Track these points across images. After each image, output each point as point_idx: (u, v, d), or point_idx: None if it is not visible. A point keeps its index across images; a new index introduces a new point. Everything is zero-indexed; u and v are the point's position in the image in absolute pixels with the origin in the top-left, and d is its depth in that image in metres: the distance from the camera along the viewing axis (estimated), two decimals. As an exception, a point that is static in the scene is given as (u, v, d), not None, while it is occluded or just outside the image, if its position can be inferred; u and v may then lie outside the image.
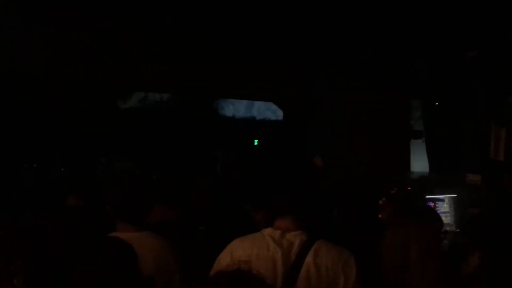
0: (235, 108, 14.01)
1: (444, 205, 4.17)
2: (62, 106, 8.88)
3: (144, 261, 2.00)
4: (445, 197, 4.17)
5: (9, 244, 1.42)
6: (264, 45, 5.26)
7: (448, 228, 4.11)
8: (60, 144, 9.29)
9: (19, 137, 7.77)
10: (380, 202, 3.24)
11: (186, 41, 5.06)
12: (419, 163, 7.72)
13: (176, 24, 4.85)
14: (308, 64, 5.62)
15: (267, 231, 1.94)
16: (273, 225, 1.95)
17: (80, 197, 3.12)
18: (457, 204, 4.16)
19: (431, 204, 4.12)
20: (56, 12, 4.46)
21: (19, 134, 7.87)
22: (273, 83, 5.72)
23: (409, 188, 3.93)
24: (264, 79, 5.62)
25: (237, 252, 1.94)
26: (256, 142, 12.71)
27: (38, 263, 1.45)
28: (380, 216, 3.07)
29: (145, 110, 11.28)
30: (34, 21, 4.41)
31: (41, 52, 4.46)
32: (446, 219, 4.13)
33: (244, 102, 13.55)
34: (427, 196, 4.05)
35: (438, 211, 4.15)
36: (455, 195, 4.18)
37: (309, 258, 1.85)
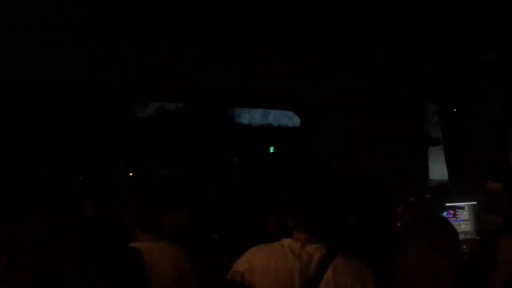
0: (251, 115, 14.04)
1: (464, 212, 4.10)
2: (79, 114, 9.00)
3: (163, 271, 2.01)
4: (465, 204, 4.10)
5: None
6: (280, 52, 5.26)
7: (468, 236, 4.05)
8: (77, 152, 9.41)
9: (37, 144, 7.89)
10: (399, 210, 3.20)
11: (202, 49, 5.09)
12: (438, 170, 7.62)
13: (191, 32, 4.88)
14: (324, 70, 5.60)
15: (287, 242, 1.93)
16: (293, 235, 1.93)
17: (97, 205, 3.14)
18: (477, 212, 4.08)
19: (451, 212, 4.06)
20: (74, 21, 4.53)
21: (37, 141, 8.00)
22: (290, 90, 5.71)
23: (428, 196, 3.86)
24: (281, 86, 5.62)
25: (255, 260, 1.93)
26: (272, 149, 12.70)
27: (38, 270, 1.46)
28: (398, 224, 3.03)
29: (161, 119, 11.39)
30: (52, 28, 4.47)
31: (61, 60, 4.52)
32: (466, 226, 4.07)
33: (260, 109, 13.58)
34: (446, 204, 3.98)
35: (458, 219, 4.09)
36: (475, 203, 4.11)
37: (328, 274, 1.84)
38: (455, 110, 7.03)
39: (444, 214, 3.98)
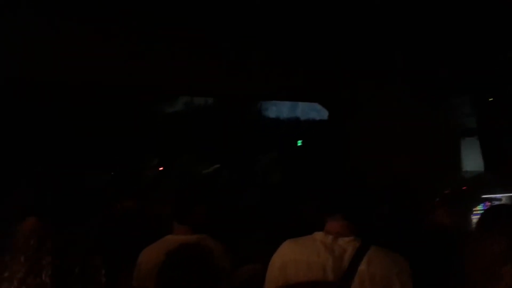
0: (278, 109, 13.99)
1: (501, 204, 3.99)
2: (108, 111, 9.14)
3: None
4: (502, 196, 4.00)
5: (42, 238, 1.45)
6: (308, 45, 5.22)
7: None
8: (108, 148, 9.57)
9: (72, 143, 8.07)
10: (434, 203, 3.14)
11: (230, 43, 5.09)
12: (473, 162, 7.42)
13: (219, 25, 4.88)
14: (352, 63, 5.54)
15: (319, 235, 1.90)
16: (324, 228, 1.91)
17: (132, 199, 3.21)
18: (515, 203, 3.98)
19: (487, 204, 3.96)
20: (103, 20, 4.59)
21: (70, 138, 8.18)
22: (318, 83, 5.67)
23: (464, 188, 3.78)
24: (309, 80, 5.58)
25: (288, 255, 1.92)
26: (299, 142, 12.63)
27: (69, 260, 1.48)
28: (434, 217, 2.98)
29: (190, 114, 11.47)
30: (79, 29, 4.54)
31: (91, 61, 4.60)
32: (504, 219, 3.96)
33: (288, 103, 13.50)
34: (483, 196, 3.89)
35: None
36: (513, 194, 4.01)
37: (362, 267, 1.80)
38: (491, 99, 6.83)
39: (481, 206, 3.90)
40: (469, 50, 5.30)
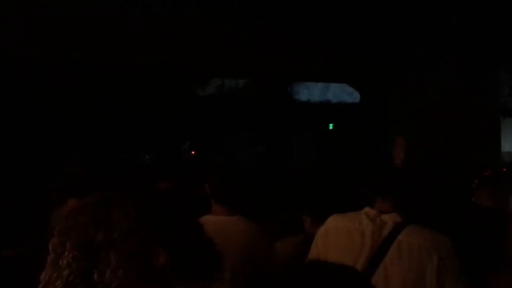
0: (310, 92, 13.86)
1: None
2: (142, 95, 9.25)
3: (236, 245, 2.06)
4: (544, 178, 3.88)
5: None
6: (339, 24, 5.13)
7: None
8: (143, 132, 9.71)
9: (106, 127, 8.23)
10: (473, 185, 3.08)
11: (259, 25, 5.06)
12: (510, 143, 7.23)
13: (252, 4, 4.85)
14: (385, 41, 5.42)
15: (365, 209, 1.97)
16: (373, 206, 1.97)
17: (169, 181, 3.27)
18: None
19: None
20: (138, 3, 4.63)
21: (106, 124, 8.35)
22: (350, 64, 5.59)
23: (504, 170, 3.69)
24: (340, 59, 5.52)
25: (331, 223, 2.01)
26: (331, 126, 12.53)
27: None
28: (473, 199, 2.92)
29: (222, 97, 11.50)
30: (113, 11, 4.59)
31: (123, 42, 4.66)
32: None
33: (319, 85, 13.37)
34: (523, 177, 3.79)
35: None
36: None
37: (401, 236, 1.84)
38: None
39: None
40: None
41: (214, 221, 2.02)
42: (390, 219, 1.90)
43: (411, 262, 1.79)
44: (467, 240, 2.19)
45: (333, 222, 2.01)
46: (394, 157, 2.09)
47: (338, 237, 1.95)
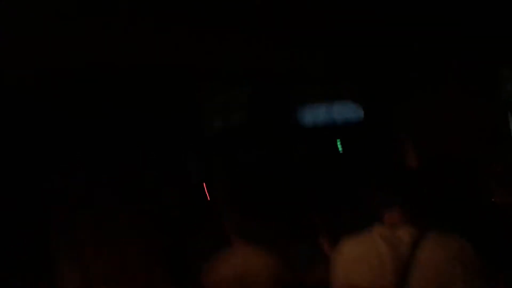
0: (315, 114, 13.93)
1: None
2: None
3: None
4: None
5: None
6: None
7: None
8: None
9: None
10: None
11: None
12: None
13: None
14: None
15: (375, 228, 1.93)
16: (381, 219, 1.94)
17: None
18: None
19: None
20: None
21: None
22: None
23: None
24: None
25: (346, 250, 1.98)
26: (338, 142, 12.52)
27: None
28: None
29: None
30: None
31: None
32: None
33: (323, 106, 13.45)
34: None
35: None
36: None
37: (421, 254, 1.81)
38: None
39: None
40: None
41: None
42: (404, 234, 1.87)
43: (436, 277, 1.78)
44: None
45: (348, 250, 1.98)
46: (402, 163, 2.08)
47: (360, 274, 1.90)
